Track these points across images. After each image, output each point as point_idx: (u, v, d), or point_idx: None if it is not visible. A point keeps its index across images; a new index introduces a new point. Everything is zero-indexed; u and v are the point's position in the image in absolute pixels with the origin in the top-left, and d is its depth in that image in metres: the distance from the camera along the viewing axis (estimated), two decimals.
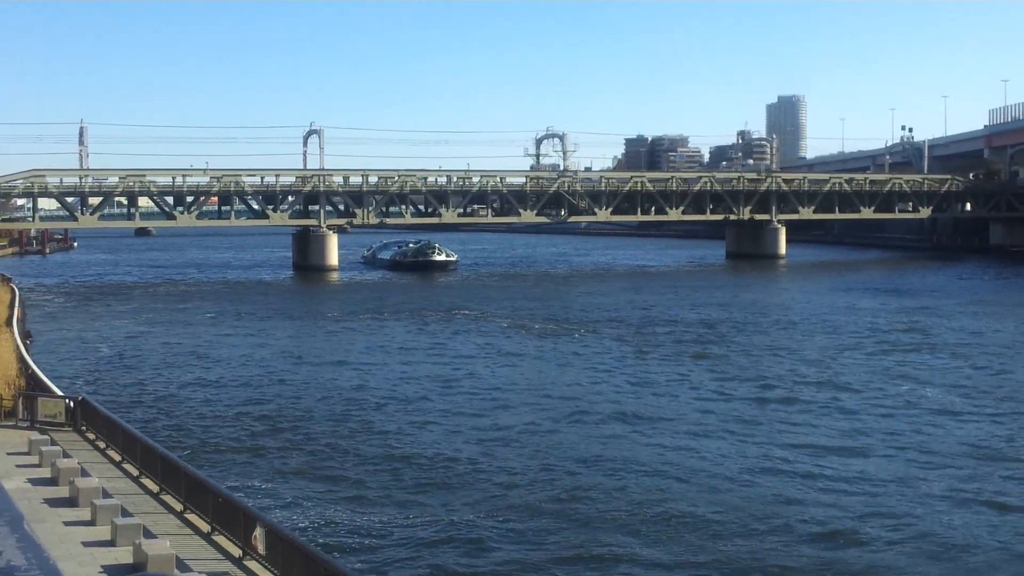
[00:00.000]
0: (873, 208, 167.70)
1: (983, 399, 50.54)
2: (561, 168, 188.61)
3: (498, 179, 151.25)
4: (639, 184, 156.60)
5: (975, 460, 39.15)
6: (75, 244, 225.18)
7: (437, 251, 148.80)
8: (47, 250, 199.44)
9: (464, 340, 73.19)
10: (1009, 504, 33.82)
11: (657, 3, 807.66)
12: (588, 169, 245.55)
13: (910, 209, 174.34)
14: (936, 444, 41.62)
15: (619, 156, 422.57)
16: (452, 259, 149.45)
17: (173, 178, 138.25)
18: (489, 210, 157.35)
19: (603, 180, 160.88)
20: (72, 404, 37.64)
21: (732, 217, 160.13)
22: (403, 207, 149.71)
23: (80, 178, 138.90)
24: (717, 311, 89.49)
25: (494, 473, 37.47)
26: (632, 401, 50.58)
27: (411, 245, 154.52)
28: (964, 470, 37.84)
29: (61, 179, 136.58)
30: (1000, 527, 31.66)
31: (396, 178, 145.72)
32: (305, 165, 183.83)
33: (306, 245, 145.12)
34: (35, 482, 29.87)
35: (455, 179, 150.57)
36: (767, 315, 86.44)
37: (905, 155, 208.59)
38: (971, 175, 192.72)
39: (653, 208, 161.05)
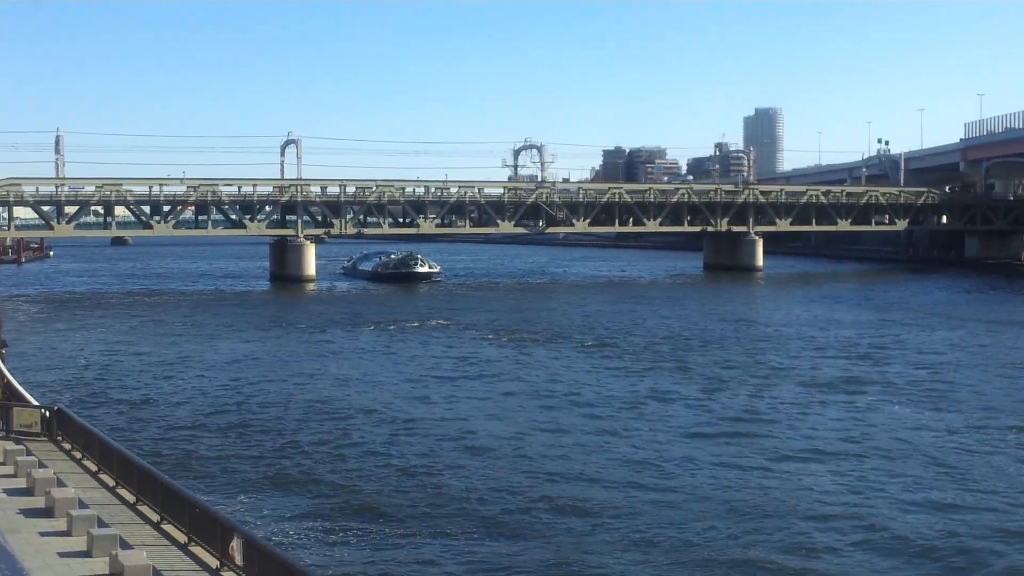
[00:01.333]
0: (850, 220, 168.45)
1: (947, 413, 50.79)
2: (539, 179, 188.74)
3: (476, 190, 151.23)
4: (617, 195, 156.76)
5: (939, 474, 39.36)
6: (51, 253, 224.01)
7: (420, 262, 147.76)
8: (22, 259, 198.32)
9: (439, 351, 73.12)
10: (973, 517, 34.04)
11: (635, 16, 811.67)
12: (566, 180, 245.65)
13: (886, 222, 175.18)
14: (894, 454, 41.89)
15: (597, 167, 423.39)
16: (435, 270, 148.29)
17: (150, 187, 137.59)
18: (467, 221, 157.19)
19: (581, 191, 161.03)
20: (48, 414, 37.41)
21: (709, 229, 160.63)
22: (381, 217, 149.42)
23: (56, 187, 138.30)
24: (691, 323, 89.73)
25: (472, 485, 37.45)
26: (605, 413, 50.66)
27: (393, 256, 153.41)
28: (928, 483, 38.04)
29: (37, 188, 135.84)
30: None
31: (374, 188, 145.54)
32: (282, 175, 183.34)
33: (283, 255, 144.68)
34: (10, 492, 29.67)
35: (433, 189, 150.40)
36: (741, 328, 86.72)
37: (882, 168, 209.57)
38: (947, 188, 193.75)
39: (631, 219, 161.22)
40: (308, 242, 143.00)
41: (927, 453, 42.13)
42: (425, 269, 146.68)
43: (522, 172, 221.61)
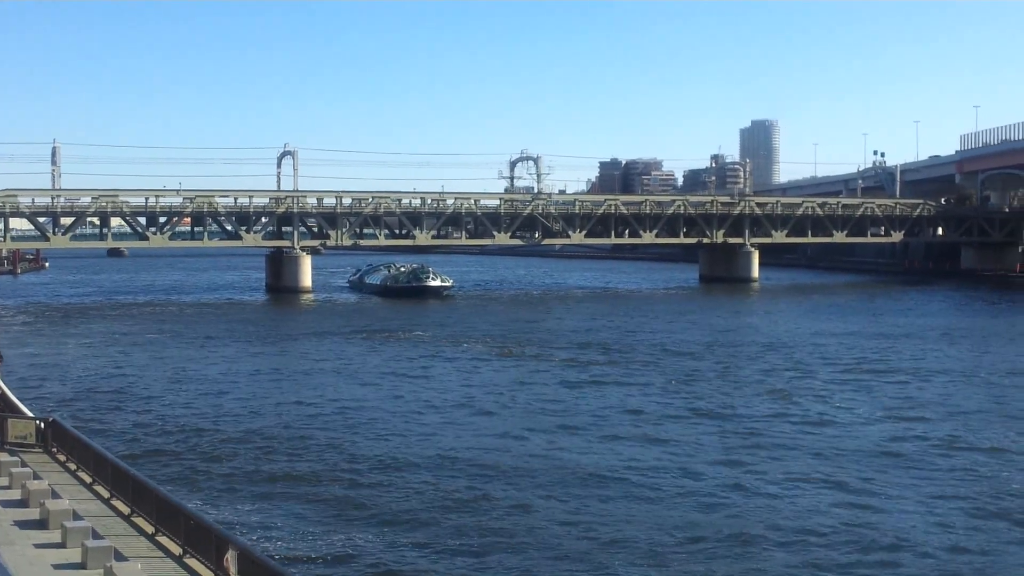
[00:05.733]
0: (846, 232, 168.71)
1: (941, 425, 50.86)
2: (535, 191, 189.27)
3: (472, 201, 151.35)
4: (613, 207, 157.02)
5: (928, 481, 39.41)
6: (47, 264, 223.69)
7: (431, 275, 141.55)
8: (18, 270, 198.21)
9: (432, 362, 73.19)
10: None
11: (632, 27, 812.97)
12: (562, 192, 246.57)
13: (882, 233, 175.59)
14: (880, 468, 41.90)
15: (593, 179, 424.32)
16: (447, 284, 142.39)
17: (146, 198, 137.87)
18: (463, 232, 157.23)
19: (577, 203, 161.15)
20: (43, 425, 37.38)
21: (705, 241, 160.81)
22: (377, 229, 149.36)
23: (52, 198, 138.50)
24: (686, 335, 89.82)
25: (468, 496, 37.45)
26: (597, 426, 50.70)
27: (402, 269, 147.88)
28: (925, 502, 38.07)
29: (33, 199, 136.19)
30: None
31: (370, 200, 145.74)
32: (279, 186, 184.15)
33: (279, 267, 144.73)
34: (5, 504, 29.63)
35: (429, 201, 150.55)
36: (736, 340, 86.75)
37: (877, 180, 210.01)
38: (943, 200, 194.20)
39: (627, 231, 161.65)
40: (304, 253, 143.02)
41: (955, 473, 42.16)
42: (437, 283, 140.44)
43: (518, 183, 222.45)
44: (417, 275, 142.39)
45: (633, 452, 44.55)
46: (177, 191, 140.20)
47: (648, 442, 46.53)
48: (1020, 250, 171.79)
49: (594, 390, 60.91)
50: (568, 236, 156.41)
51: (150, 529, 27.36)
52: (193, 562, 24.73)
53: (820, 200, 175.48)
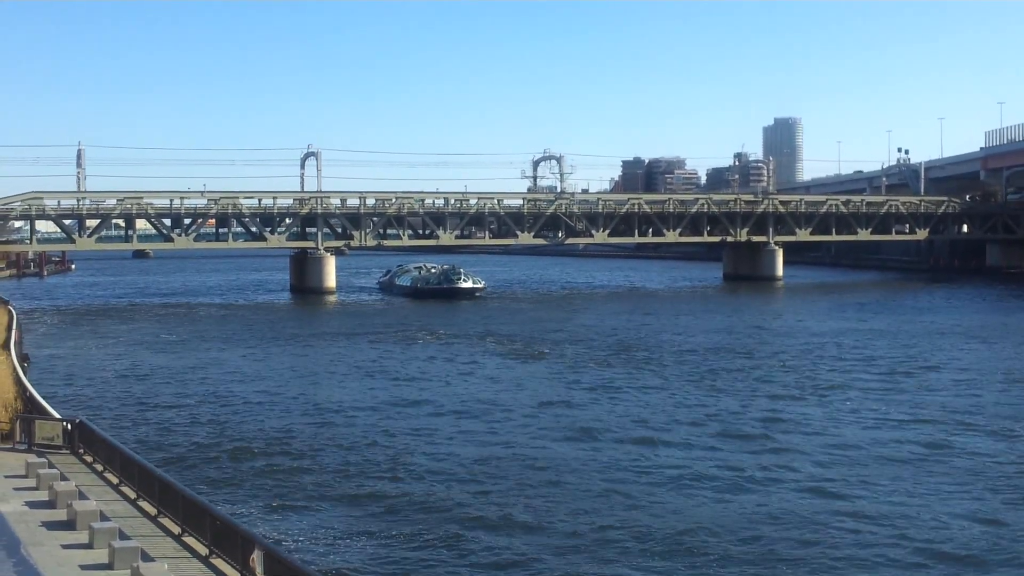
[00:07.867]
0: (870, 230, 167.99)
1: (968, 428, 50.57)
2: (558, 190, 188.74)
3: (495, 201, 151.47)
4: (636, 206, 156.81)
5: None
6: (73, 266, 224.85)
7: (463, 277, 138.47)
8: (45, 272, 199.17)
9: (465, 364, 73.22)
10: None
11: (654, 26, 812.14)
12: (585, 191, 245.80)
13: (907, 231, 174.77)
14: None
15: (616, 178, 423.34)
16: (479, 286, 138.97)
17: (171, 200, 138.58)
18: (486, 232, 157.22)
19: (600, 202, 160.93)
20: (70, 427, 37.62)
21: (729, 239, 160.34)
22: (400, 229, 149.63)
23: (78, 200, 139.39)
24: (714, 336, 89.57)
25: (488, 497, 37.46)
26: (627, 427, 50.66)
27: (433, 270, 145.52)
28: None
29: (59, 201, 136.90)
30: None
31: (393, 200, 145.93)
32: (303, 187, 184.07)
33: (303, 267, 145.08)
34: (33, 505, 29.85)
35: (452, 201, 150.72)
36: (766, 340, 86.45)
37: (901, 177, 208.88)
38: (967, 197, 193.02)
39: (650, 230, 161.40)
40: (328, 254, 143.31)
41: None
42: (469, 284, 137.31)
43: (541, 183, 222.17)
44: (448, 276, 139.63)
45: (668, 453, 44.53)
46: (201, 193, 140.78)
47: (680, 443, 46.51)
48: None
49: (626, 392, 60.66)
50: (591, 235, 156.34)
51: (176, 530, 27.50)
52: (219, 562, 24.84)
53: (844, 198, 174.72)
